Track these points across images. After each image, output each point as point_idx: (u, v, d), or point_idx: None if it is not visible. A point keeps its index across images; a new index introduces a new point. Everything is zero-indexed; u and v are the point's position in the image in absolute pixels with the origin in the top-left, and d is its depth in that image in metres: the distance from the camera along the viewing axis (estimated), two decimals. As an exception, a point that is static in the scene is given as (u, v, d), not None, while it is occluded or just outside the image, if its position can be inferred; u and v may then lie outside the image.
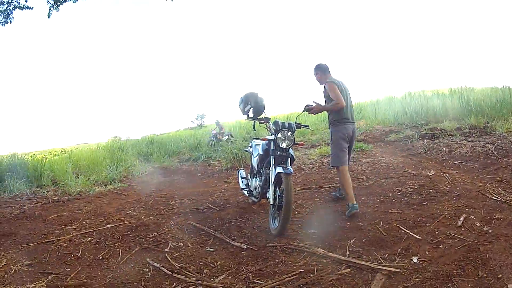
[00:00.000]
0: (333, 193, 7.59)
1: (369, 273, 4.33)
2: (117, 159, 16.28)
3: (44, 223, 7.71)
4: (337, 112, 6.78)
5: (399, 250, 4.84)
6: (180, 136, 23.20)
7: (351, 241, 5.30)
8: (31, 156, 19.35)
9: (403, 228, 5.47)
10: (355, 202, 6.45)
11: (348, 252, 4.98)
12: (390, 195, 7.16)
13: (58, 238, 6.66)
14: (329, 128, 7.13)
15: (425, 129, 13.76)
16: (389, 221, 5.84)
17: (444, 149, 10.54)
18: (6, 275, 5.22)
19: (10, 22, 11.78)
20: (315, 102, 6.81)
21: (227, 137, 20.02)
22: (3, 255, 5.99)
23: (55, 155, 28.35)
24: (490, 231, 5.09)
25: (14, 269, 5.41)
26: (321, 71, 7.00)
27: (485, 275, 3.98)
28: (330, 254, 4.93)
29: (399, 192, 7.22)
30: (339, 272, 4.46)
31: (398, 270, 4.27)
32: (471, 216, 5.62)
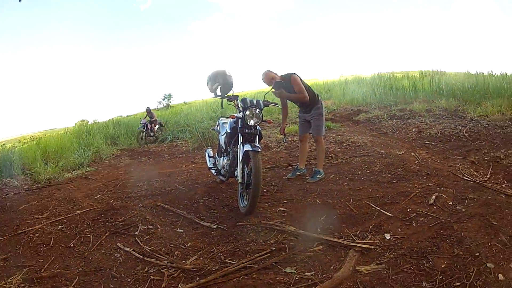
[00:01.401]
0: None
1: (342, 250, 4.39)
2: (84, 143, 16.35)
3: (16, 214, 7.68)
4: (313, 95, 7.24)
5: (370, 227, 4.89)
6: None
7: (322, 218, 5.34)
8: (0, 146, 19.13)
9: (374, 206, 5.51)
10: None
11: (319, 229, 5.01)
12: (359, 173, 7.25)
13: (30, 228, 6.63)
14: (312, 107, 7.30)
15: (394, 110, 13.92)
16: (359, 199, 5.87)
17: (414, 129, 10.72)
18: (-20, 271, 5.21)
19: None
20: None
21: (157, 126, 19.67)
22: (-24, 249, 5.98)
23: (24, 143, 27.98)
24: (464, 210, 5.14)
25: (-11, 265, 5.40)
26: (275, 74, 7.24)
27: (461, 252, 4.04)
28: (301, 231, 4.98)
29: (368, 170, 7.32)
30: (311, 249, 4.51)
31: (371, 247, 4.33)
32: (443, 195, 5.66)
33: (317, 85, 22.65)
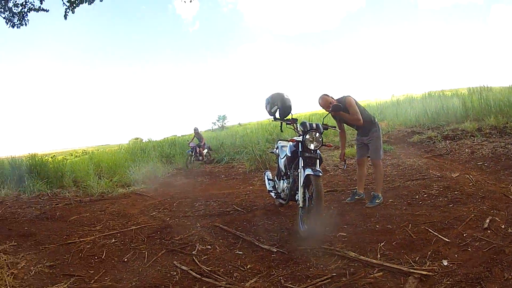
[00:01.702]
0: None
1: (401, 276, 4.26)
2: (139, 160, 16.32)
3: (66, 224, 7.62)
4: (369, 117, 7.12)
5: (429, 253, 4.76)
6: (202, 138, 23.22)
7: (381, 244, 5.21)
8: (51, 157, 19.46)
9: (432, 231, 5.38)
10: None
11: (379, 255, 4.89)
12: (417, 197, 7.09)
13: (81, 239, 6.56)
14: (370, 130, 7.14)
15: (446, 130, 13.72)
16: (418, 224, 5.75)
17: (466, 150, 10.54)
18: (25, 277, 5.12)
19: (26, 25, 11.82)
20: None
21: (206, 150, 19.40)
22: (23, 256, 5.89)
23: (76, 156, 28.52)
24: (515, 233, 5.03)
25: (34, 271, 5.30)
26: (331, 98, 7.14)
27: (510, 277, 3.93)
28: (362, 257, 4.84)
29: (425, 194, 7.14)
30: (372, 276, 4.36)
31: (430, 273, 4.19)
32: (496, 218, 5.58)
33: (370, 106, 22.62)
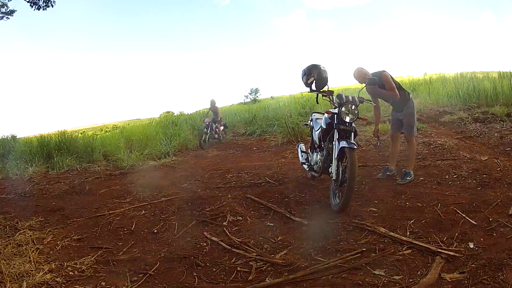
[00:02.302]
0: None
1: (429, 255, 4.28)
2: (170, 133, 16.37)
3: (95, 198, 7.76)
4: (404, 93, 7.09)
5: (456, 234, 4.75)
6: (234, 111, 23.11)
7: (411, 221, 5.22)
8: (81, 133, 19.68)
9: (460, 212, 5.35)
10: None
11: (408, 233, 4.92)
12: (447, 177, 7.02)
13: (110, 212, 6.67)
14: (404, 105, 7.11)
15: (477, 112, 13.45)
16: (447, 204, 5.71)
17: (496, 134, 10.35)
18: (51, 251, 5.22)
19: (52, 6, 11.92)
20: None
21: (222, 128, 17.28)
22: (49, 231, 6.03)
23: (106, 131, 28.69)
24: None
25: (61, 245, 5.40)
26: (367, 71, 7.07)
27: None
28: (391, 233, 4.89)
29: (454, 175, 7.07)
30: (400, 252, 4.42)
31: (456, 255, 4.20)
32: None
33: (402, 83, 22.08)
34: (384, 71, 6.96)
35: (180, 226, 5.83)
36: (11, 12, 12.01)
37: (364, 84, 6.93)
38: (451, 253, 4.18)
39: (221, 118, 17.41)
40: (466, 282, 3.65)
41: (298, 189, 7.16)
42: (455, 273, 3.83)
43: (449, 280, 3.69)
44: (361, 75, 7.00)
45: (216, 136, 16.41)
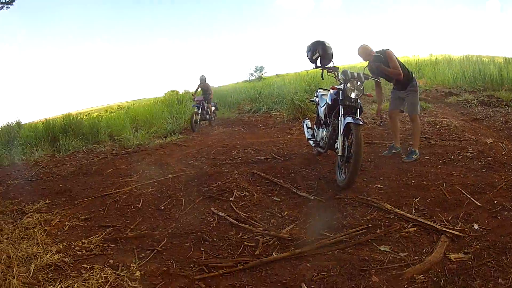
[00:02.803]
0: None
1: (434, 234, 4.34)
2: (176, 111, 16.55)
3: (102, 177, 7.83)
4: (407, 72, 7.05)
5: (461, 214, 4.78)
6: (239, 88, 23.11)
7: (416, 199, 5.26)
8: (86, 115, 19.73)
9: (465, 193, 5.35)
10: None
11: (413, 210, 4.97)
12: (452, 157, 7.02)
13: (117, 190, 6.74)
14: (408, 84, 7.10)
15: (483, 95, 13.58)
16: (452, 184, 5.71)
17: (501, 118, 10.39)
18: (59, 232, 5.29)
19: None
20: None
21: (214, 108, 16.24)
22: (57, 212, 6.10)
23: (111, 112, 28.66)
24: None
25: (68, 225, 5.48)
26: (371, 48, 7.07)
27: None
28: (397, 210, 4.93)
29: (460, 155, 7.07)
30: (406, 229, 4.48)
31: (461, 235, 4.24)
32: None
33: (408, 63, 22.25)
34: (388, 49, 6.96)
35: (187, 202, 5.89)
36: (11, 1, 12.02)
37: (368, 61, 7.00)
38: (456, 233, 4.24)
39: (211, 96, 16.36)
40: (470, 263, 3.69)
41: (304, 165, 7.21)
42: (459, 253, 3.88)
43: (454, 260, 3.74)
44: (365, 52, 7.02)
45: (207, 116, 15.46)
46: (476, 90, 14.42)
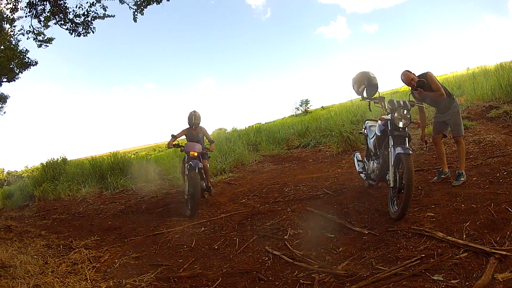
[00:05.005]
0: (435, 178, 7.51)
1: (484, 257, 4.33)
2: (225, 150, 16.46)
3: (152, 216, 7.96)
4: (448, 92, 7.11)
5: (508, 233, 4.77)
6: (286, 124, 23.11)
7: (467, 224, 5.24)
8: (133, 154, 20.05)
9: (511, 210, 5.33)
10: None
11: (464, 236, 4.94)
12: (498, 175, 6.94)
13: (168, 230, 6.84)
14: (450, 106, 7.16)
15: None
16: (499, 203, 5.68)
17: None
18: (108, 269, 5.40)
19: (93, 32, 12.38)
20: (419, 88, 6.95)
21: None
22: (106, 249, 6.24)
23: (159, 151, 29.03)
24: None
25: (118, 263, 5.59)
26: (414, 74, 7.19)
27: None
28: (449, 238, 4.92)
29: (505, 171, 7.01)
30: (457, 256, 4.45)
31: (508, 254, 4.23)
32: None
33: (447, 80, 22.19)
34: (429, 72, 7.05)
35: (240, 241, 5.94)
36: (50, 40, 12.40)
37: (411, 87, 7.09)
38: (504, 253, 4.23)
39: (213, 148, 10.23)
40: None
41: (357, 199, 7.19)
42: (506, 272, 3.90)
43: (501, 280, 3.75)
44: (408, 78, 7.14)
45: (204, 184, 9.23)
46: (513, 100, 14.33)
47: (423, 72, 7.10)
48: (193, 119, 9.89)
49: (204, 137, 10.24)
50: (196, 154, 8.84)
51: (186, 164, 8.77)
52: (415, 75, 7.12)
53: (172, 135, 9.52)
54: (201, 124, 10.11)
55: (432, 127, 7.73)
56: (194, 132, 9.83)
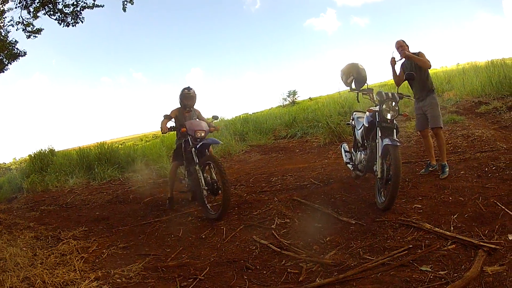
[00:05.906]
0: (422, 171, 7.58)
1: (472, 249, 4.38)
2: (212, 139, 16.43)
3: (140, 206, 7.98)
4: (431, 82, 7.29)
5: (496, 226, 4.82)
6: (273, 114, 23.10)
7: (454, 216, 5.30)
8: (120, 144, 20.01)
9: (499, 204, 5.37)
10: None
11: (452, 228, 5.01)
12: (486, 169, 7.02)
13: (156, 219, 6.86)
14: (427, 95, 7.31)
15: (510, 101, 13.51)
16: (487, 197, 5.74)
17: None
18: (97, 260, 5.41)
19: (82, 22, 12.32)
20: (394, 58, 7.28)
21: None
22: (94, 239, 6.26)
23: (146, 141, 28.99)
24: None
25: (106, 253, 5.61)
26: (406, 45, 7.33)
27: None
28: (436, 229, 4.97)
29: (493, 166, 7.08)
30: (445, 248, 4.51)
31: (497, 247, 4.28)
32: None
33: (437, 75, 22.38)
34: (421, 51, 7.26)
35: (228, 230, 5.96)
36: (39, 31, 12.35)
37: (401, 59, 7.38)
38: (492, 246, 4.27)
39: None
40: (505, 274, 3.74)
41: (344, 189, 7.23)
42: (495, 266, 3.93)
43: (490, 273, 3.78)
44: (399, 45, 7.37)
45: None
46: (504, 96, 14.52)
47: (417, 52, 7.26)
48: (187, 98, 8.15)
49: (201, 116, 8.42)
50: (203, 134, 7.36)
51: (193, 149, 7.14)
52: (408, 48, 7.30)
53: (165, 115, 7.74)
54: (195, 106, 8.37)
55: (415, 121, 7.81)
56: (187, 114, 8.16)
